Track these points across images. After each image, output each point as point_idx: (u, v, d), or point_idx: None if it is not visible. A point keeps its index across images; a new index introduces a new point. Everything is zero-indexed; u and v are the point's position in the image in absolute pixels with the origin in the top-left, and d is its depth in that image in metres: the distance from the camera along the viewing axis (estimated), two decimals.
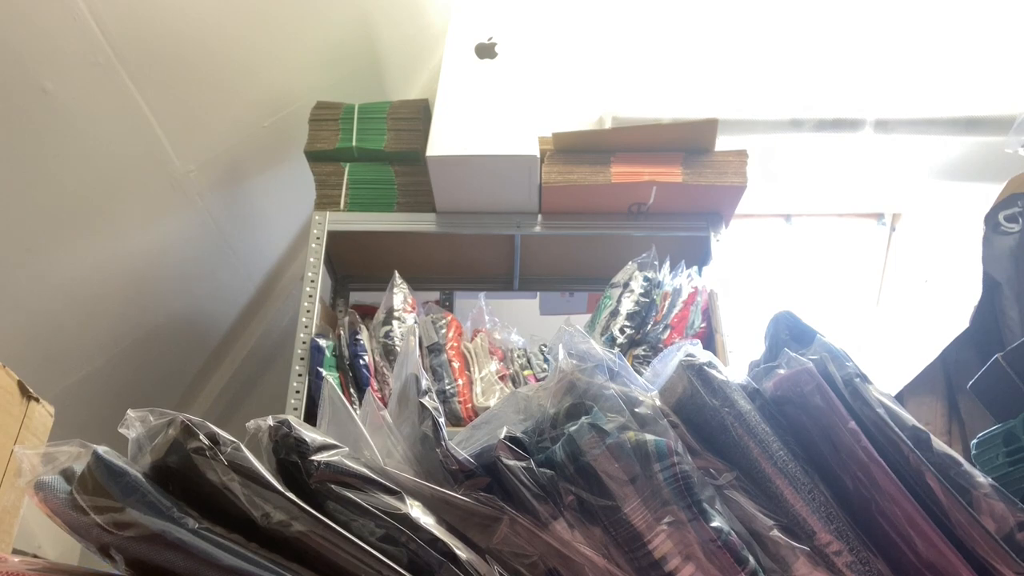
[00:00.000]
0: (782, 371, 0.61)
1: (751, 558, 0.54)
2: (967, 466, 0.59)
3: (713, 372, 0.60)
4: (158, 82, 1.69)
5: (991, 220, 1.40)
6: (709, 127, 1.87)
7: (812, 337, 0.65)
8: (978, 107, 2.36)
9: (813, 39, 2.27)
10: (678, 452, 0.56)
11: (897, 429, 0.57)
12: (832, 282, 2.78)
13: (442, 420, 0.59)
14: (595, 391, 0.60)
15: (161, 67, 1.68)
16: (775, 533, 0.55)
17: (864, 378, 0.60)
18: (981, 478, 0.59)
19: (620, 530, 0.54)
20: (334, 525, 0.50)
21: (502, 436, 0.57)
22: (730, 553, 0.53)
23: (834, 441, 0.56)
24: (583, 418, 0.58)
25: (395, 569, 0.49)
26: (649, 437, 0.56)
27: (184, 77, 1.76)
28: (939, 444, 0.59)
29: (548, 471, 0.56)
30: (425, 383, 0.60)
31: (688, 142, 1.87)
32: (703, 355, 0.62)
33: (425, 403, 0.59)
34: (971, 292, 1.36)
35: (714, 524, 0.54)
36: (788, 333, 0.67)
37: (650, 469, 0.55)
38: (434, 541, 0.51)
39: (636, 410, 0.59)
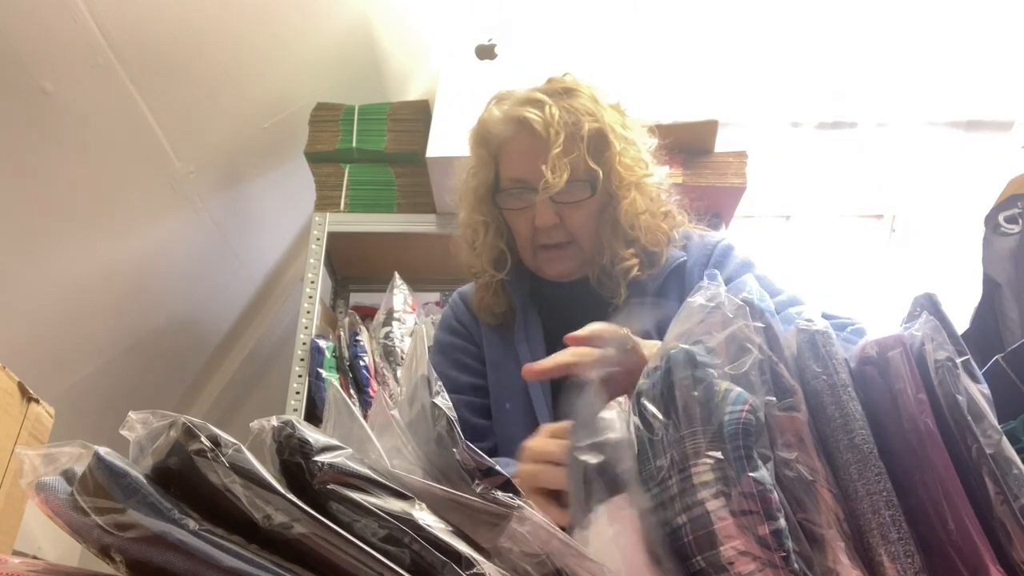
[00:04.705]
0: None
1: (782, 518, 0.54)
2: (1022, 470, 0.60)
3: (822, 340, 0.62)
4: (158, 83, 1.69)
5: (991, 221, 1.40)
6: (709, 128, 1.86)
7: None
8: (978, 109, 2.37)
9: (814, 40, 2.28)
10: (753, 405, 0.57)
11: (971, 420, 0.58)
12: (832, 283, 2.78)
13: (455, 418, 0.58)
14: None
15: (161, 69, 1.68)
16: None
17: (967, 365, 0.61)
18: None
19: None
20: (335, 527, 0.50)
21: None
22: (762, 504, 0.54)
23: (900, 406, 0.58)
24: (682, 346, 0.60)
25: (396, 571, 0.49)
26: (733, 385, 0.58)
27: (184, 79, 1.76)
28: (1007, 448, 0.59)
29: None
30: (437, 384, 0.60)
31: (688, 143, 1.87)
32: (820, 323, 0.64)
33: (439, 403, 0.59)
34: (971, 293, 1.36)
35: (757, 475, 0.54)
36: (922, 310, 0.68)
37: (721, 409, 0.56)
38: (438, 542, 0.51)
39: None
